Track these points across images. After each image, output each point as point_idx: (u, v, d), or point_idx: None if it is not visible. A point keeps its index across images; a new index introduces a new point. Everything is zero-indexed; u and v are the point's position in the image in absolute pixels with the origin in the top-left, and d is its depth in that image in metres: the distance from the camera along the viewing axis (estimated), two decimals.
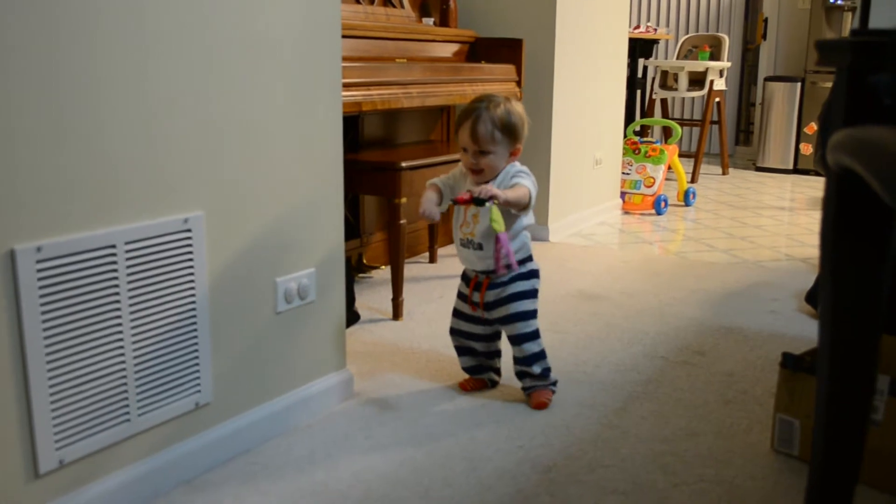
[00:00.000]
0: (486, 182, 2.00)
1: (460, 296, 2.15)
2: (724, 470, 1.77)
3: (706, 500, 1.65)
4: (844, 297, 1.06)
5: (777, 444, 1.85)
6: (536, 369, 2.07)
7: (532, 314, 2.07)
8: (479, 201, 1.92)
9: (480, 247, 2.03)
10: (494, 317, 2.08)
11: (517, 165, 2.05)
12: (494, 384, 2.19)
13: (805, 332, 2.66)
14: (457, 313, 2.16)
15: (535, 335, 2.07)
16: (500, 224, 1.92)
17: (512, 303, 2.05)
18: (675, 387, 2.22)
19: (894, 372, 1.66)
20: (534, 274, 2.09)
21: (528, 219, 2.05)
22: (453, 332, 2.18)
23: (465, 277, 2.14)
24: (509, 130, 1.99)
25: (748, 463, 1.81)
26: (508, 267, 2.00)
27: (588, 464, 1.79)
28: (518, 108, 2.03)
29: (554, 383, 2.11)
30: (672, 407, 2.09)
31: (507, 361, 2.17)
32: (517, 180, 2.00)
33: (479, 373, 2.18)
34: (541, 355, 2.08)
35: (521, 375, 2.11)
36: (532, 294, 2.08)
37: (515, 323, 2.06)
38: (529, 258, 2.09)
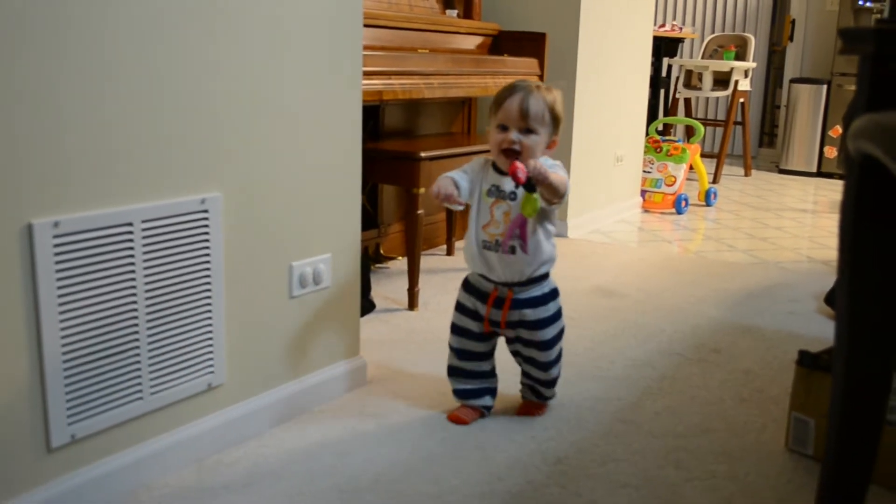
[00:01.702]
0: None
1: (465, 311, 1.90)
2: (737, 467, 1.76)
3: (718, 496, 1.64)
4: (863, 288, 1.04)
5: (791, 444, 1.84)
6: (547, 392, 1.95)
7: (559, 337, 1.89)
8: (530, 186, 1.72)
9: (513, 250, 1.79)
10: (516, 337, 1.88)
11: (550, 160, 1.84)
12: (489, 409, 1.96)
13: (823, 333, 2.64)
14: (462, 332, 1.91)
15: (558, 359, 1.92)
16: (535, 212, 1.75)
17: (542, 329, 1.85)
18: (690, 384, 2.20)
19: None
20: (557, 293, 1.89)
21: (554, 227, 1.86)
22: (460, 353, 1.92)
23: (475, 291, 1.88)
24: (555, 118, 1.82)
25: (761, 461, 1.79)
26: (515, 247, 1.79)
27: (600, 457, 1.78)
28: (561, 98, 1.86)
29: (548, 401, 1.99)
30: (686, 403, 2.07)
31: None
32: (557, 171, 1.79)
33: (477, 397, 1.94)
34: (556, 381, 1.95)
35: (526, 389, 1.97)
36: (559, 315, 1.89)
37: (544, 350, 1.87)
38: (548, 275, 1.89)
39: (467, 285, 1.91)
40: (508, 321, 1.85)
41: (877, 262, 1.03)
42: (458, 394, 1.95)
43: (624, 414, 2.00)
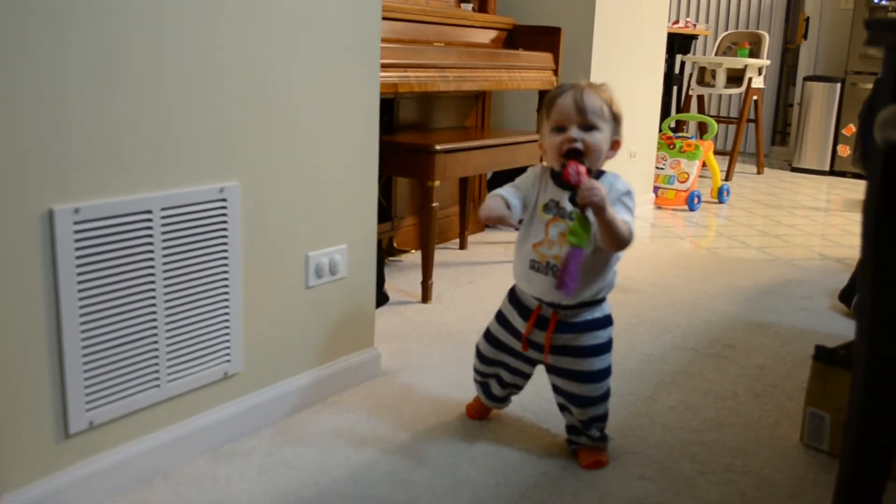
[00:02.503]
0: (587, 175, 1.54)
1: (505, 325, 1.73)
2: (752, 461, 1.75)
3: (733, 490, 1.63)
4: (886, 280, 1.04)
5: (806, 438, 1.83)
6: (595, 433, 1.71)
7: (607, 372, 1.68)
8: (572, 197, 1.52)
9: (564, 283, 1.57)
10: (557, 365, 1.68)
11: (623, 181, 1.62)
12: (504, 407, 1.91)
13: (837, 329, 2.63)
14: (496, 343, 1.76)
15: (605, 397, 1.69)
16: (580, 238, 1.51)
17: (588, 358, 1.65)
18: (704, 378, 2.20)
19: None
20: (610, 320, 1.69)
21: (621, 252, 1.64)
22: (488, 361, 1.79)
23: (518, 304, 1.71)
24: (615, 114, 1.62)
25: (776, 455, 1.79)
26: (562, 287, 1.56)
27: (615, 450, 1.77)
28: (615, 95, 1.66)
29: (607, 444, 1.74)
30: (701, 398, 2.07)
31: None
32: (620, 209, 1.56)
33: (501, 402, 1.87)
34: (604, 418, 1.71)
35: (573, 431, 1.73)
36: (610, 346, 1.68)
37: (587, 384, 1.66)
38: (605, 299, 1.70)
39: (512, 296, 1.74)
40: (553, 346, 1.66)
41: None
42: (486, 399, 1.87)
43: (638, 408, 2.00)
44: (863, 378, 1.19)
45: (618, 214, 1.54)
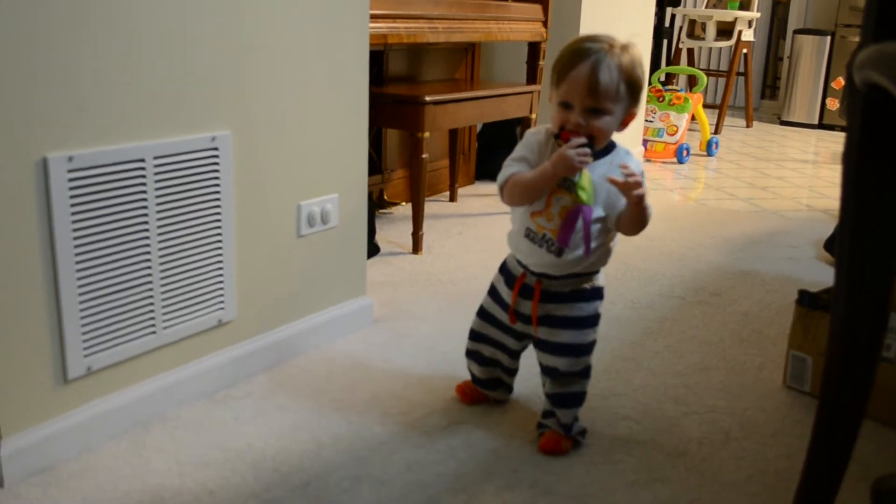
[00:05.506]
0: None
1: (494, 295, 1.65)
2: (736, 402, 1.80)
3: (716, 429, 1.68)
4: (865, 225, 1.06)
5: (789, 381, 1.88)
6: (567, 417, 1.58)
7: (589, 348, 1.57)
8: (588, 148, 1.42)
9: (560, 252, 1.50)
10: (539, 337, 1.59)
11: (635, 160, 1.51)
12: (500, 402, 1.77)
13: (822, 278, 2.67)
14: (486, 316, 1.66)
15: (584, 374, 1.58)
16: (589, 195, 1.45)
17: (568, 330, 1.55)
18: (689, 325, 2.24)
19: None
20: (599, 294, 1.59)
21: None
22: (478, 337, 1.69)
23: (506, 272, 1.62)
24: (633, 87, 1.45)
25: (759, 397, 1.83)
26: (563, 251, 1.50)
27: (601, 392, 1.82)
28: (640, 57, 1.48)
29: (582, 433, 1.62)
30: (686, 343, 2.11)
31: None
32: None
33: (490, 388, 1.74)
34: (580, 398, 1.59)
35: (546, 414, 1.63)
36: (595, 321, 1.58)
37: (566, 357, 1.56)
38: (597, 272, 1.60)
39: (503, 265, 1.65)
40: (539, 316, 1.57)
41: (879, 197, 1.05)
42: (475, 379, 1.76)
43: (624, 352, 2.04)
44: (841, 320, 1.22)
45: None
